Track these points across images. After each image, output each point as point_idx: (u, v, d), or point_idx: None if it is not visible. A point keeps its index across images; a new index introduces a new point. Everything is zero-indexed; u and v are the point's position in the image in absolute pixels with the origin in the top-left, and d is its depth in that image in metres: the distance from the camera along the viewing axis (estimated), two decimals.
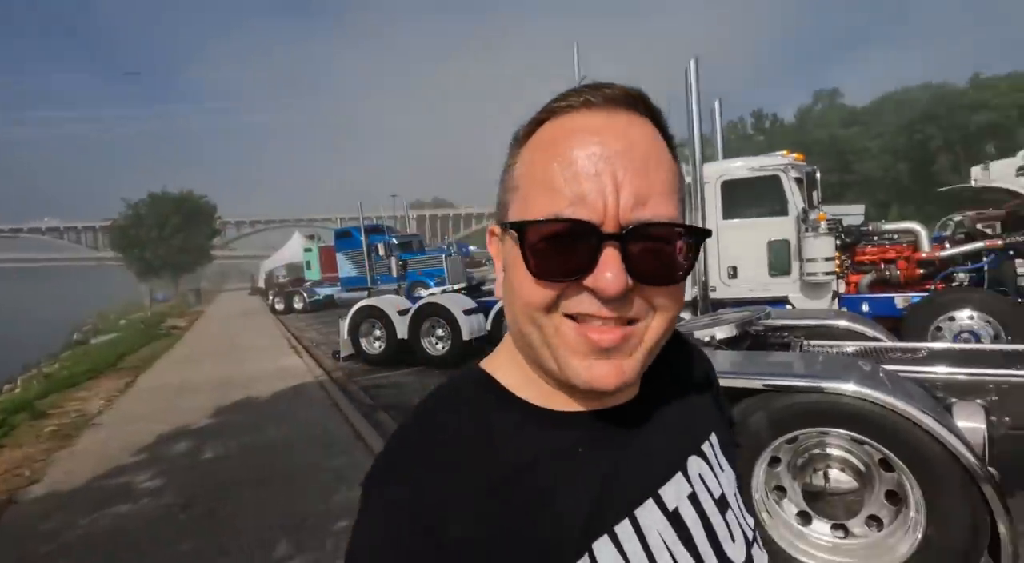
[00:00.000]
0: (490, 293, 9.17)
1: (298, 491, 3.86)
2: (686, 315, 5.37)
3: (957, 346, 3.52)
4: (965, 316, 5.10)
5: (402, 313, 8.36)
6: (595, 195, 0.42)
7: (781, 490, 2.38)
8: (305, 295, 21.47)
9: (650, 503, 0.49)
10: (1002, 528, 1.81)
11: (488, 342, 7.76)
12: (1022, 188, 6.61)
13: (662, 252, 0.44)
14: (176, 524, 3.51)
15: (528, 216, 0.44)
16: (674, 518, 0.50)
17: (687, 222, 0.46)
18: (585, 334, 0.44)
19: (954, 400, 2.25)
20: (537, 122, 0.48)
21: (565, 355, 0.45)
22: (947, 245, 5.99)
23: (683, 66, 5.57)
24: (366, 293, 15.51)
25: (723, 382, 1.23)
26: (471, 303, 8.11)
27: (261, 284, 31.91)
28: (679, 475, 0.53)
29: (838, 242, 5.97)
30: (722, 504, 0.55)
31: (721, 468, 0.58)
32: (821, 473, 2.33)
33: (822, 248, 5.79)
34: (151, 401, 7.42)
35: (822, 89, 58.59)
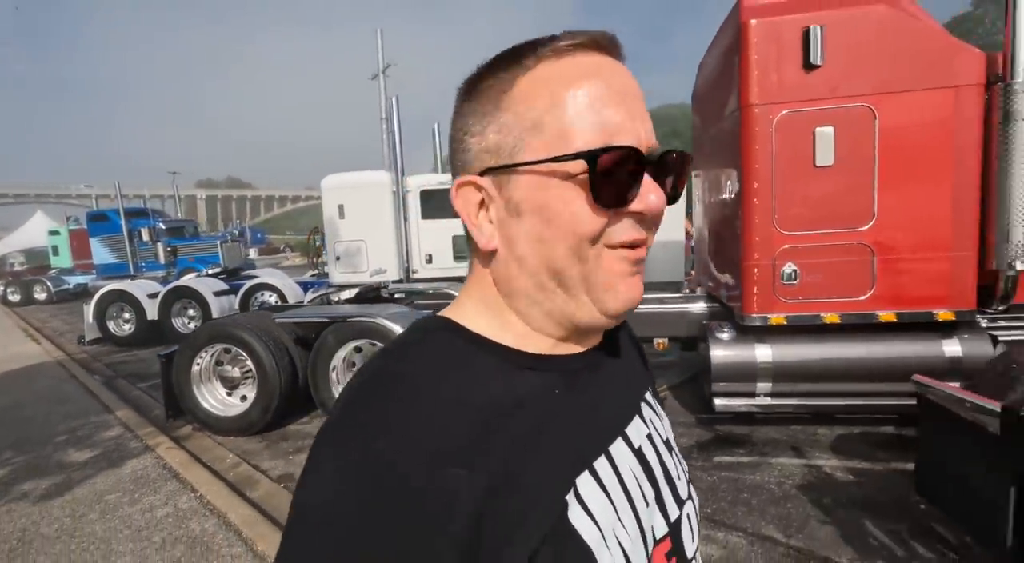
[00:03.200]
0: (248, 277, 10.20)
1: (30, 425, 4.84)
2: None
3: None
4: None
5: (152, 296, 9.03)
6: (631, 125, 0.45)
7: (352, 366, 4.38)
8: (50, 284, 19.23)
9: (620, 441, 0.52)
10: None
11: None
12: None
13: (673, 175, 0.49)
14: None
15: (573, 149, 0.44)
16: (639, 455, 0.53)
17: None
18: (627, 255, 0.47)
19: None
20: (537, 59, 0.46)
21: (608, 279, 0.46)
22: None
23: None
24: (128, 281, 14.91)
25: (339, 317, 3.21)
26: (223, 285, 9.17)
27: None
28: (637, 417, 0.56)
29: None
30: (668, 445, 0.59)
31: (661, 415, 0.63)
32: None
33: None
34: None
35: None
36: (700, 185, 5.30)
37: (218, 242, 17.49)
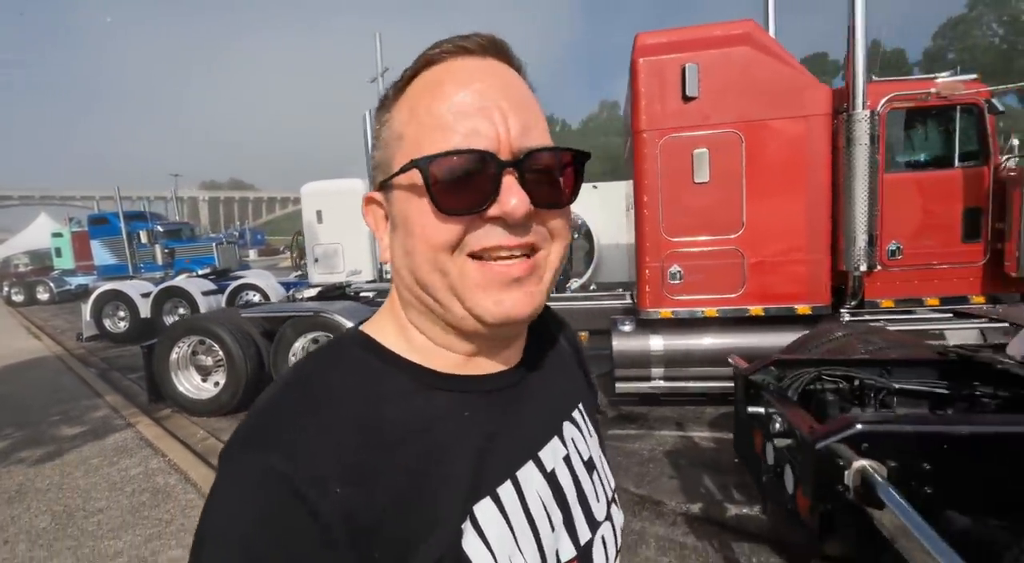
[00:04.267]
0: (235, 278, 10.87)
1: (29, 408, 5.49)
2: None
3: None
4: None
5: (145, 296, 9.69)
6: (487, 127, 0.43)
7: None
8: (52, 285, 19.96)
9: (530, 465, 0.51)
10: None
11: None
12: None
13: (553, 176, 0.46)
14: None
15: (425, 154, 0.43)
16: (551, 478, 0.52)
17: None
18: (492, 269, 0.44)
19: None
20: (409, 76, 0.47)
21: (474, 295, 0.44)
22: None
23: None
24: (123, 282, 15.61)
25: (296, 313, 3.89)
26: (211, 285, 9.83)
27: None
28: (555, 438, 0.55)
29: None
30: (590, 466, 0.58)
31: (589, 433, 0.61)
32: None
33: None
34: None
35: (607, 99, 68.78)
36: (624, 198, 5.94)
37: (214, 244, 18.25)
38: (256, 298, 9.89)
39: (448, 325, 0.48)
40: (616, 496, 0.62)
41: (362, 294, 6.81)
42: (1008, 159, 4.15)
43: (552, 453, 0.54)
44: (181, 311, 9.61)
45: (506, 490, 0.48)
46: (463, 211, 0.43)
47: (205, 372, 5.35)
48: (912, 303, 4.24)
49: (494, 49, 0.47)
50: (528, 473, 0.50)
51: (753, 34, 4.15)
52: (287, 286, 10.17)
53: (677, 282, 4.33)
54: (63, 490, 3.54)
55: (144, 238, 17.62)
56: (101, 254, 19.36)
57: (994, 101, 4.05)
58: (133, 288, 9.95)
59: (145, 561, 2.67)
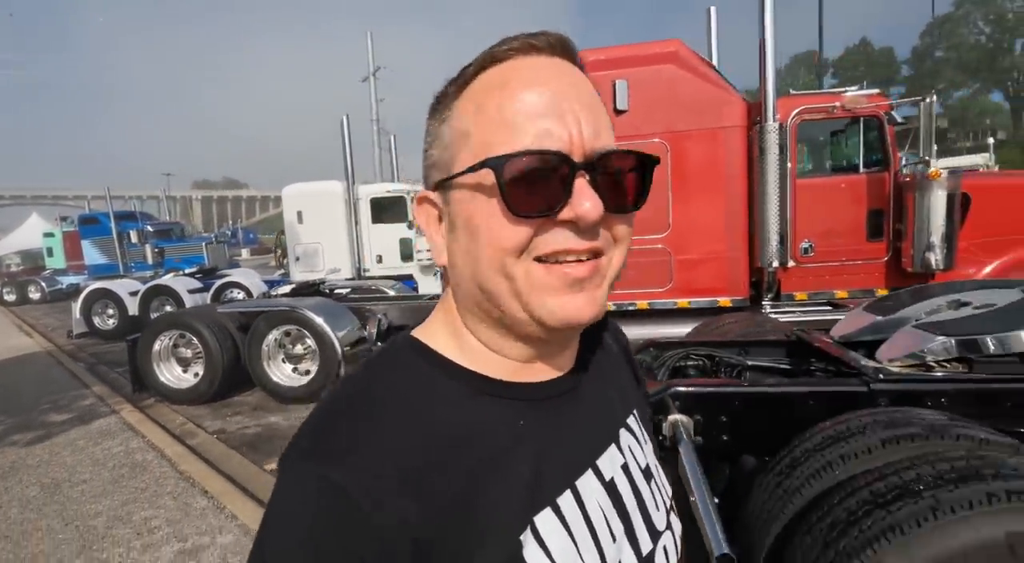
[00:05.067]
0: (221, 276, 11.25)
1: (20, 398, 5.89)
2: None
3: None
4: None
5: (133, 294, 10.07)
6: (560, 128, 0.42)
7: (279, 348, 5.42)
8: (43, 284, 20.22)
9: (589, 473, 0.50)
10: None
11: None
12: None
13: (623, 180, 0.45)
14: None
15: (497, 154, 0.42)
16: (610, 488, 0.51)
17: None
18: (557, 270, 0.43)
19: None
20: (473, 73, 0.46)
21: (540, 297, 0.44)
22: None
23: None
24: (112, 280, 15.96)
25: (269, 308, 4.28)
26: (197, 284, 10.21)
27: None
28: (612, 446, 0.54)
29: None
30: (647, 474, 0.57)
31: (645, 439, 0.60)
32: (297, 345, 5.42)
33: (424, 244, 9.31)
34: None
35: None
36: None
37: (203, 244, 18.65)
38: (240, 296, 10.29)
39: (507, 329, 0.48)
40: (674, 504, 0.61)
41: (336, 291, 7.21)
42: (905, 165, 4.61)
43: (610, 461, 0.53)
44: (168, 308, 9.99)
45: (566, 500, 0.47)
46: (535, 214, 0.42)
47: (185, 363, 5.75)
48: (824, 296, 4.69)
49: (562, 48, 0.47)
50: (587, 482, 0.50)
51: (679, 53, 4.58)
52: (271, 284, 10.57)
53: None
54: (51, 466, 3.95)
55: (134, 238, 17.96)
56: (92, 254, 19.70)
57: (893, 113, 4.51)
58: (121, 287, 10.32)
59: (121, 519, 3.08)
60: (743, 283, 4.62)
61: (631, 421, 0.59)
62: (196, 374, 5.68)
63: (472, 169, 0.43)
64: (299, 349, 5.52)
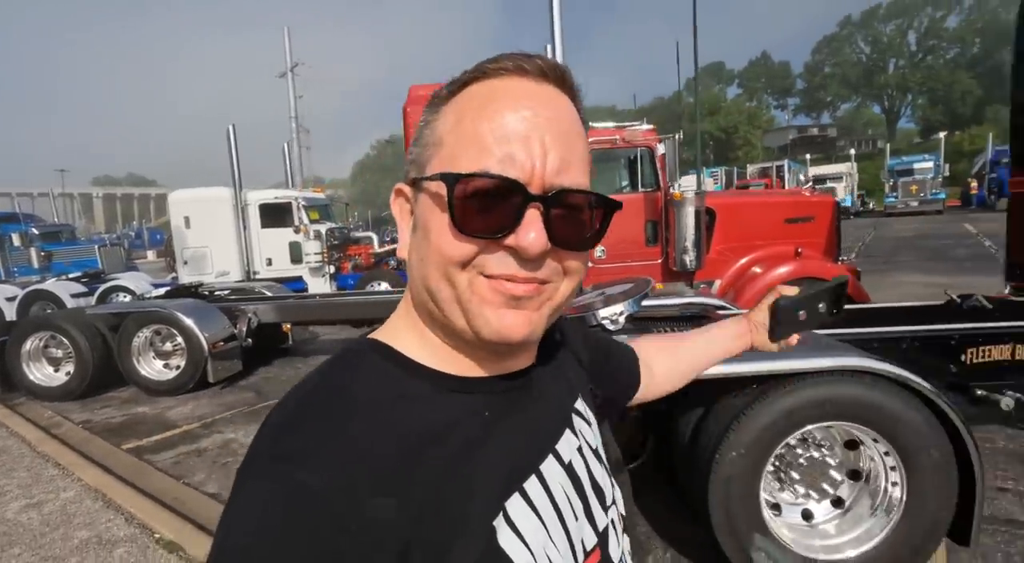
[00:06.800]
0: (108, 280, 11.25)
1: None
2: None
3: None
4: (378, 285, 9.71)
5: (10, 299, 9.97)
6: (524, 156, 0.43)
7: None
8: None
9: (550, 458, 0.53)
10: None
11: None
12: None
13: (579, 218, 0.47)
14: None
15: (455, 170, 0.44)
16: (569, 470, 0.55)
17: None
18: (499, 285, 0.45)
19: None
20: (463, 82, 0.48)
21: (478, 306, 0.45)
22: (385, 246, 10.81)
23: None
24: None
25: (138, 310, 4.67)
26: (81, 288, 10.25)
27: None
28: (567, 431, 0.58)
29: (330, 243, 10.18)
30: (596, 453, 0.61)
31: (591, 420, 0.64)
32: None
33: (313, 247, 9.90)
34: None
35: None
36: None
37: (96, 246, 17.98)
38: (127, 300, 10.40)
39: (446, 329, 0.49)
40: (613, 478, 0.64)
41: (216, 292, 7.68)
42: (675, 186, 5.82)
43: (567, 445, 0.56)
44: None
45: (532, 485, 0.50)
46: (480, 234, 0.44)
47: (56, 363, 6.11)
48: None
49: (554, 75, 0.47)
50: (549, 467, 0.52)
51: None
52: (159, 287, 10.73)
53: None
54: None
55: (17, 241, 17.10)
56: None
57: (659, 145, 5.69)
58: None
59: None
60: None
61: (579, 404, 0.63)
62: (68, 372, 6.06)
63: (433, 178, 0.45)
64: (169, 346, 6.03)
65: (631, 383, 0.84)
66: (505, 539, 0.45)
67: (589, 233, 0.48)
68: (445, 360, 0.51)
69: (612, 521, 0.60)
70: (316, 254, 9.94)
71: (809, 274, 5.88)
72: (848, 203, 28.52)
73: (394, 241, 11.30)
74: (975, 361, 2.88)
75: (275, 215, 10.07)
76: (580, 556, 0.53)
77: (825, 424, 2.27)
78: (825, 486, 2.40)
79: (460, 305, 0.46)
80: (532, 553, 0.47)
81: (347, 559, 0.38)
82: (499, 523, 0.46)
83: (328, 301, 7.09)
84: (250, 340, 6.33)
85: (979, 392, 2.83)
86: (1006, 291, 4.26)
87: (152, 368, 5.97)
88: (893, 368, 2.16)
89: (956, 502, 2.15)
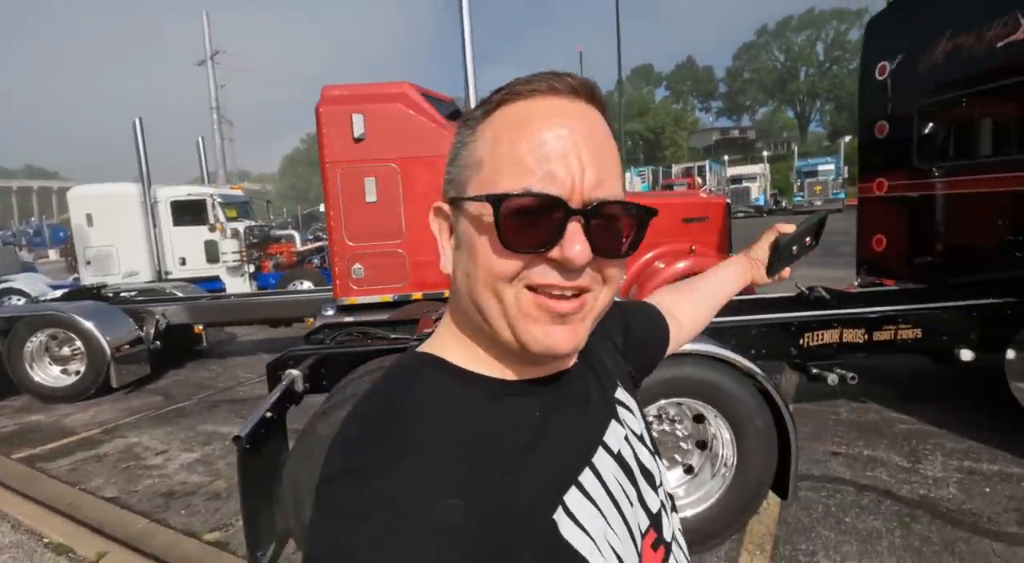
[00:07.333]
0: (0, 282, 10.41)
1: None
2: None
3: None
4: (301, 284, 9.56)
5: None
6: (564, 173, 0.46)
7: None
8: None
9: (601, 451, 0.56)
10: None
11: None
12: None
13: (617, 228, 0.49)
14: None
15: (498, 190, 0.46)
16: (619, 459, 0.58)
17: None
18: (544, 303, 0.48)
19: None
20: (498, 103, 0.50)
21: (525, 324, 0.48)
22: (308, 244, 10.63)
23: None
24: None
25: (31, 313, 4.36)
26: None
27: None
28: (613, 421, 0.60)
29: (249, 241, 9.90)
30: (641, 439, 0.64)
31: (633, 406, 0.66)
32: None
33: (230, 246, 9.61)
34: None
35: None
36: None
37: None
38: (22, 302, 9.68)
39: (495, 341, 0.51)
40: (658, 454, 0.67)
41: (122, 294, 7.36)
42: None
43: (615, 436, 0.59)
44: None
45: (587, 477, 0.52)
46: (526, 250, 0.47)
47: None
48: None
49: (584, 91, 0.50)
50: (601, 459, 0.55)
51: (406, 94, 5.68)
52: (59, 289, 10.06)
53: (360, 276, 5.75)
54: None
55: None
56: None
57: None
58: None
59: None
60: None
61: (619, 393, 0.65)
62: None
63: (477, 199, 0.48)
64: (67, 351, 5.77)
65: (661, 344, 0.86)
66: (567, 530, 0.48)
67: (627, 241, 0.51)
68: (493, 367, 0.53)
69: (662, 502, 0.63)
70: (234, 253, 9.65)
71: (703, 270, 6.43)
72: (761, 202, 30.51)
73: (318, 239, 11.18)
74: (811, 344, 3.34)
75: (189, 212, 9.68)
76: (638, 539, 0.56)
77: (675, 400, 2.61)
78: (676, 456, 2.76)
79: (507, 320, 0.49)
80: (594, 541, 0.49)
81: (423, 559, 0.40)
82: (559, 516, 0.48)
83: (244, 301, 6.97)
84: (159, 342, 6.15)
85: (814, 370, 3.30)
86: (856, 283, 4.88)
87: (47, 374, 5.69)
88: (727, 352, 2.53)
89: (776, 462, 2.55)
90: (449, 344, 0.55)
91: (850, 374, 3.17)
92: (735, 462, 2.57)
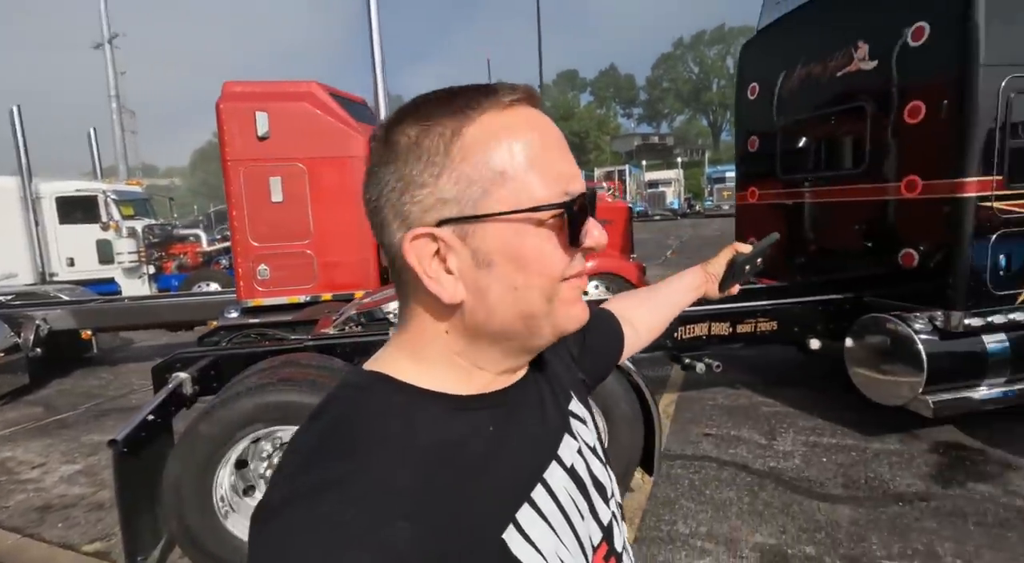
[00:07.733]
0: None
1: None
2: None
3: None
4: (207, 285, 9.12)
5: None
6: (576, 170, 0.51)
7: None
8: None
9: (554, 465, 0.56)
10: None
11: None
12: None
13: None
14: None
15: (536, 195, 0.47)
16: (572, 473, 0.57)
17: None
18: (578, 284, 0.52)
19: None
20: (478, 111, 0.48)
21: (566, 310, 0.51)
22: (215, 244, 10.18)
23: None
24: None
25: None
26: None
27: None
28: (566, 435, 0.60)
29: (149, 241, 9.33)
30: (594, 450, 0.64)
31: (587, 417, 0.66)
32: None
33: (127, 245, 9.02)
34: None
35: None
36: None
37: None
38: None
39: (514, 348, 0.53)
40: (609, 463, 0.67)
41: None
42: None
43: (568, 449, 0.59)
44: None
45: (539, 493, 0.52)
46: (577, 244, 0.50)
47: None
48: None
49: (537, 98, 0.52)
50: (553, 473, 0.55)
51: (313, 93, 5.63)
52: None
53: (266, 278, 5.63)
54: None
55: None
56: None
57: None
58: None
59: None
60: (374, 278, 5.88)
61: (573, 405, 0.65)
62: None
63: (536, 209, 0.47)
64: None
65: (616, 350, 0.88)
66: (518, 548, 0.48)
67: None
68: (447, 383, 0.52)
69: (613, 513, 0.63)
70: (131, 253, 9.07)
71: (608, 270, 6.83)
72: (676, 206, 32.29)
73: (226, 238, 10.66)
74: (684, 337, 3.70)
75: (78, 209, 8.99)
76: (589, 552, 0.56)
77: None
78: None
79: (551, 316, 0.51)
80: (545, 559, 0.49)
81: None
82: (510, 534, 0.48)
83: (139, 304, 6.61)
84: (39, 350, 5.72)
85: (687, 360, 3.66)
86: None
87: None
88: None
89: (643, 443, 2.84)
90: (400, 362, 0.53)
91: (715, 363, 3.55)
92: (606, 445, 2.83)
